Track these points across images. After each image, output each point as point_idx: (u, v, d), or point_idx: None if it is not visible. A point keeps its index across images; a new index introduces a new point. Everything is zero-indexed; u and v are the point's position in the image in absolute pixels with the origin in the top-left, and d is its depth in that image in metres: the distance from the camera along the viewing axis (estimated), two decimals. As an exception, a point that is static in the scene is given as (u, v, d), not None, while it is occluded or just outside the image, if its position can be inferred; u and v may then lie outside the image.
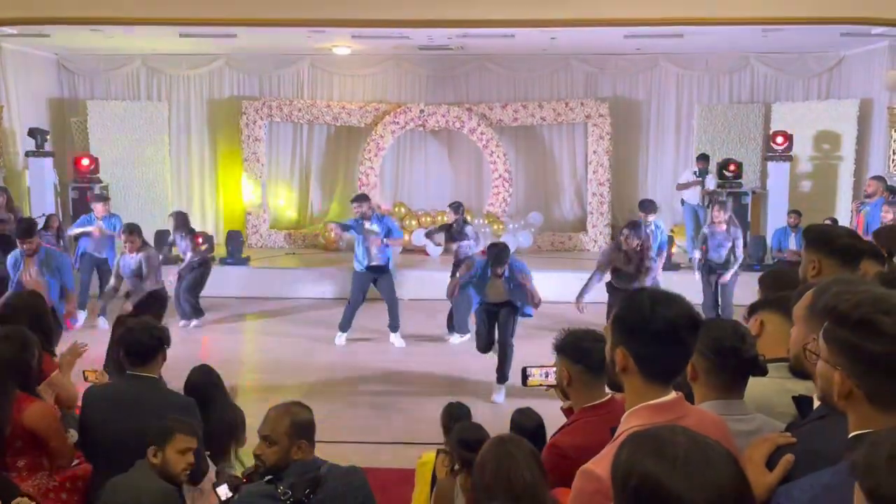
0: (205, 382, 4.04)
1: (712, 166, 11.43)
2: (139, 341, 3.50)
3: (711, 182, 11.23)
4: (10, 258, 6.90)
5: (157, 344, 3.52)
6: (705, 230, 8.78)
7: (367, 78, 13.12)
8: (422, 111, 12.51)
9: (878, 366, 1.37)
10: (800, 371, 2.05)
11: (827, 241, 2.88)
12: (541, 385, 3.17)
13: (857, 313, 1.40)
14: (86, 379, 4.02)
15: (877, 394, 1.39)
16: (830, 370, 1.46)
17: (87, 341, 4.35)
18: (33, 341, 3.52)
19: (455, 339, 8.73)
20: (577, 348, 2.68)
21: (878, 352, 1.36)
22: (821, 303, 1.61)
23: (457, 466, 3.03)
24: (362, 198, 8.63)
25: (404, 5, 8.49)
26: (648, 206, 9.02)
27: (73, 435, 3.65)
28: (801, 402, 1.91)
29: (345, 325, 8.53)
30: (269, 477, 2.76)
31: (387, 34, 10.35)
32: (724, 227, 8.52)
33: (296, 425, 2.76)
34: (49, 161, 11.70)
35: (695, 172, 11.31)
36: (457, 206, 9.27)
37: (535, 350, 7.19)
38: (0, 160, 11.56)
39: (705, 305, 8.64)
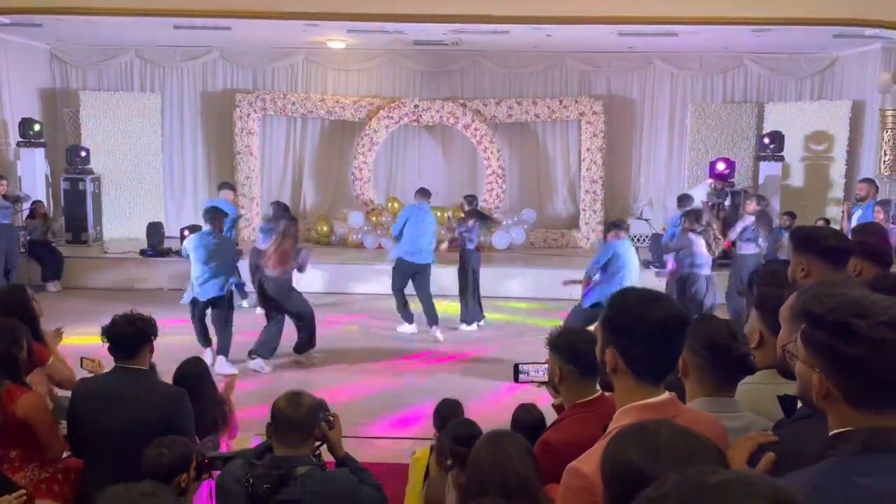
0: (193, 374, 4.04)
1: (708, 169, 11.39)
2: (122, 334, 3.44)
3: (728, 200, 11.08)
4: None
5: (142, 336, 3.48)
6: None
7: (362, 72, 13.11)
8: (416, 106, 12.51)
9: (854, 368, 1.40)
10: (788, 372, 2.08)
11: (814, 243, 2.90)
12: (532, 382, 3.19)
13: (833, 316, 1.42)
14: (82, 366, 4.01)
15: (853, 394, 1.42)
16: (809, 371, 1.48)
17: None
18: (21, 332, 3.52)
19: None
20: (571, 349, 2.65)
21: (853, 354, 1.39)
22: (799, 305, 1.63)
23: (449, 462, 3.05)
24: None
25: (399, 0, 8.49)
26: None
27: (64, 427, 3.65)
28: (786, 401, 1.94)
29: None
30: (251, 461, 2.77)
31: (382, 29, 10.33)
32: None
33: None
34: (41, 152, 11.67)
35: (710, 185, 11.09)
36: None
37: (524, 349, 7.23)
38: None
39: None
